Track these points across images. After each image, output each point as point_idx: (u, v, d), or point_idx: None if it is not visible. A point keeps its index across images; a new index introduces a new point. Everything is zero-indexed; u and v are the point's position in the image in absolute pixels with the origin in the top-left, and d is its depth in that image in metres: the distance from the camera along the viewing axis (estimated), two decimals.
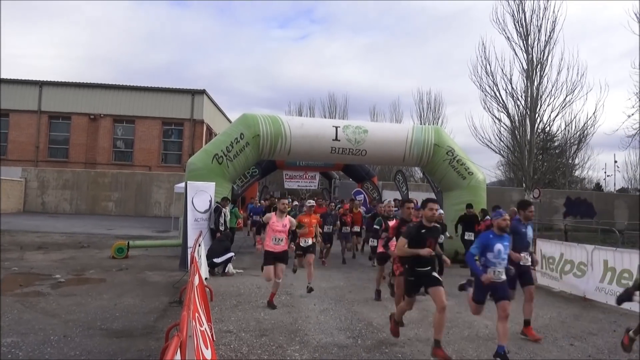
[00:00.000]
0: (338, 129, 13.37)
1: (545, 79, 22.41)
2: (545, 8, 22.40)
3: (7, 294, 7.56)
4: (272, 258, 7.32)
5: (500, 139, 23.99)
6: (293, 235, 7.78)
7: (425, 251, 5.28)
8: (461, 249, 11.73)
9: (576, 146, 24.66)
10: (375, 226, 8.61)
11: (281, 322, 6.58)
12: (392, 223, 7.67)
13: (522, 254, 6.09)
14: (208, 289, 7.29)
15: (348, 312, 7.27)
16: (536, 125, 22.67)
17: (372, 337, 6.03)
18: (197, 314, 3.86)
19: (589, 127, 22.41)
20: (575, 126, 23.22)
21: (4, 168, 25.96)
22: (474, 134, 24.53)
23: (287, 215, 7.51)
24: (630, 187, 43.85)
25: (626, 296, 5.75)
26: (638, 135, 20.29)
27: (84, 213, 26.47)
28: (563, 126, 24.41)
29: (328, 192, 29.07)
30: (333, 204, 14.45)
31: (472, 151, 31.54)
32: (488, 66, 23.35)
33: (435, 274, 5.44)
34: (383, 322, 6.65)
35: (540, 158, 27.88)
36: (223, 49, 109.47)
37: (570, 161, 30.91)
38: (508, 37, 23.11)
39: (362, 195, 21.58)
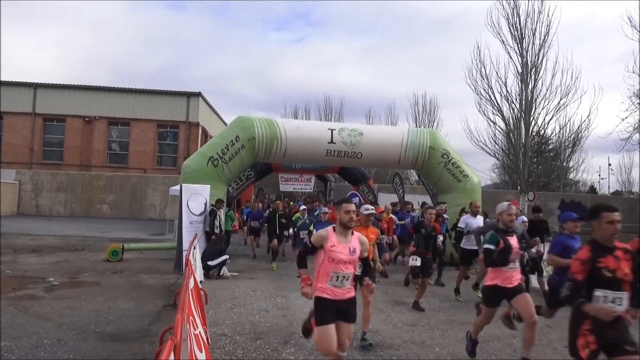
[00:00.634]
0: (333, 131, 13.38)
1: (540, 82, 22.50)
2: (539, 12, 22.51)
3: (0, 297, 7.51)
4: (334, 312, 4.08)
5: (495, 142, 24.04)
6: (364, 265, 4.59)
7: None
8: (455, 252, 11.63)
9: (570, 149, 24.71)
10: (487, 246, 5.15)
11: (276, 325, 6.56)
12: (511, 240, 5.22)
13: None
14: (203, 292, 7.26)
15: None
16: (531, 128, 22.73)
17: (368, 339, 6.01)
18: (191, 317, 3.85)
19: (583, 130, 22.49)
20: (570, 129, 23.30)
21: None
22: (469, 136, 24.47)
23: (355, 232, 4.34)
24: (624, 189, 44.14)
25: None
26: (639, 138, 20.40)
27: (79, 216, 26.34)
28: (557, 129, 24.44)
29: (324, 194, 29.09)
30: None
31: (467, 154, 31.71)
32: (483, 69, 23.42)
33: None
34: (378, 324, 6.65)
35: (535, 161, 27.99)
36: (220, 52, 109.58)
37: (564, 164, 30.99)
38: (503, 40, 23.19)
39: (358, 198, 21.57)
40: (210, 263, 10.07)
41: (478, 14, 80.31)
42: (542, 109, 22.50)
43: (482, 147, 23.98)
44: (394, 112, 59.05)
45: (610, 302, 3.43)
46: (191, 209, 11.10)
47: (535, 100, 22.39)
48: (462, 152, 15.11)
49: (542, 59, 22.47)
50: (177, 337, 2.57)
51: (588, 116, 22.07)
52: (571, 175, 40.36)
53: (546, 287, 6.90)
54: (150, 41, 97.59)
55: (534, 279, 8.93)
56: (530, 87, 22.35)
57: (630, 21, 20.18)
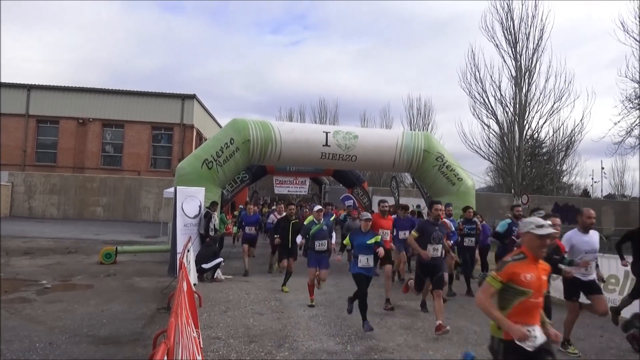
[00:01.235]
0: (328, 134, 13.39)
1: (534, 86, 22.70)
2: (533, 16, 22.72)
3: None
4: None
5: (490, 146, 24.20)
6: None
7: None
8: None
9: (564, 152, 24.93)
10: None
11: (270, 328, 6.55)
12: None
13: None
14: (197, 295, 7.24)
15: (337, 318, 7.26)
16: (525, 132, 22.90)
17: (362, 343, 6.02)
18: (190, 320, 3.84)
19: (576, 134, 22.73)
20: (563, 133, 23.53)
21: None
22: (463, 140, 24.62)
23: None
24: (617, 193, 44.45)
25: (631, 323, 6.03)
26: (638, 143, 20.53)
27: (72, 218, 26.18)
28: (551, 133, 24.68)
29: (318, 197, 29.10)
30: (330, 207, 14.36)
31: (461, 157, 31.80)
32: (477, 73, 23.61)
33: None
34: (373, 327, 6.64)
35: (529, 164, 28.12)
36: (215, 54, 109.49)
37: (558, 167, 31.20)
38: (497, 44, 23.39)
39: (352, 201, 21.62)
40: (204, 266, 10.04)
41: (473, 17, 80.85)
42: (536, 112, 22.71)
43: (476, 151, 24.15)
44: (389, 115, 58.98)
45: None
46: (185, 211, 11.06)
47: (529, 104, 22.57)
48: (456, 155, 15.19)
49: (536, 63, 22.69)
50: (170, 340, 2.56)
51: (581, 120, 22.35)
52: (564, 179, 40.58)
53: None
54: (144, 43, 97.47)
55: None
56: (524, 90, 22.52)
57: (623, 26, 20.38)
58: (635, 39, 20.01)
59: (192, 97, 31.25)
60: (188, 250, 8.38)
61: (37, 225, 21.30)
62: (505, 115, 23.06)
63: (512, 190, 23.67)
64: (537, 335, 3.21)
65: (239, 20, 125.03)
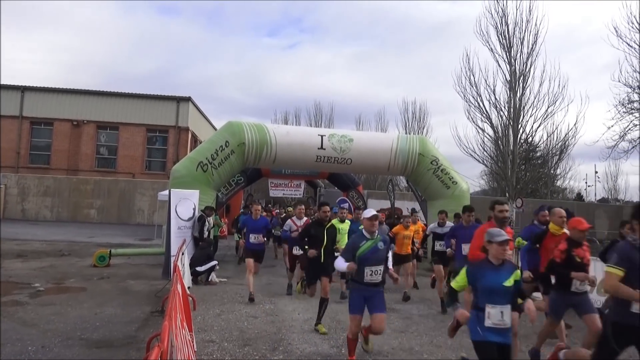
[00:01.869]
0: (323, 137, 13.42)
1: (528, 90, 22.77)
2: (527, 21, 22.83)
3: None
4: None
5: (484, 149, 24.25)
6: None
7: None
8: None
9: (558, 157, 25.01)
10: None
11: (264, 331, 6.53)
12: None
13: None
14: (191, 298, 7.21)
15: (332, 321, 7.24)
16: (519, 136, 22.97)
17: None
18: (185, 323, 3.82)
19: (570, 138, 22.78)
20: (557, 137, 23.59)
21: None
22: (458, 143, 24.71)
23: None
24: (610, 197, 44.73)
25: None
26: (638, 147, 20.64)
27: (65, 220, 26.00)
28: (545, 137, 24.72)
29: (313, 200, 29.06)
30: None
31: (456, 161, 31.93)
32: (472, 77, 23.65)
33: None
34: None
35: (523, 168, 28.22)
36: (211, 57, 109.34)
37: (552, 171, 31.32)
38: (491, 48, 23.46)
39: (347, 204, 21.61)
40: (198, 269, 10.01)
41: (468, 22, 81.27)
42: (530, 116, 22.78)
43: (471, 154, 24.19)
44: (384, 118, 58.97)
45: None
46: (179, 214, 11.02)
47: (524, 108, 22.65)
48: (451, 159, 15.24)
49: (530, 68, 22.77)
50: (164, 343, 2.55)
51: (575, 124, 22.40)
52: (558, 183, 40.80)
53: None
54: (140, 45, 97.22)
55: None
56: (518, 95, 22.61)
57: (617, 31, 20.53)
58: (629, 44, 20.18)
59: (188, 99, 31.22)
60: (182, 253, 8.36)
61: (30, 227, 21.16)
62: (500, 119, 23.14)
63: (507, 194, 23.73)
64: None
65: (235, 23, 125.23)
